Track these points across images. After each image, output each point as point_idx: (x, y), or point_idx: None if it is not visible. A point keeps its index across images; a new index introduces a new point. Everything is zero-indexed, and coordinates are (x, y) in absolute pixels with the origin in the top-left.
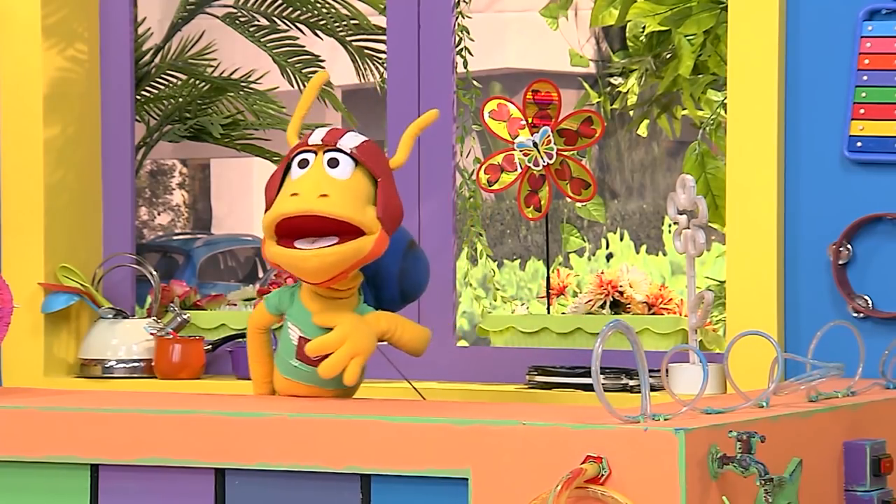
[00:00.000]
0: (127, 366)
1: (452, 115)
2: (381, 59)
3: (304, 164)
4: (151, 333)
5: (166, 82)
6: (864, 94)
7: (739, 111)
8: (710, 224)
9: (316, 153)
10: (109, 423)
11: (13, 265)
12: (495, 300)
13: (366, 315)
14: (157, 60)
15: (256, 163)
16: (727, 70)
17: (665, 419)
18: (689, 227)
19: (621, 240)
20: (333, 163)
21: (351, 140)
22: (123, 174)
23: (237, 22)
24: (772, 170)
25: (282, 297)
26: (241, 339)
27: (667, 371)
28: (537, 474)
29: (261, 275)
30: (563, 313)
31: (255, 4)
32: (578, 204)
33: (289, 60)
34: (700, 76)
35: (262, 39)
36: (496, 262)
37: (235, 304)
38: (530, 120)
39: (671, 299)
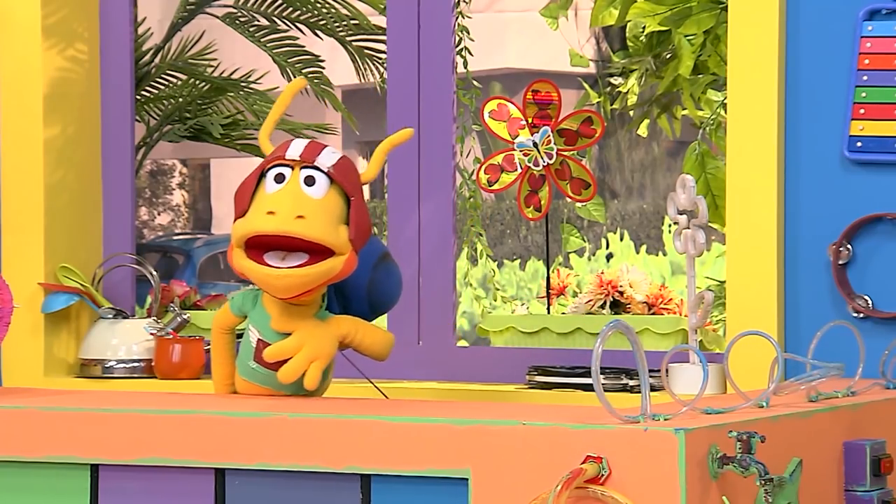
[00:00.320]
0: (127, 366)
1: (452, 115)
2: (381, 59)
3: (280, 178)
4: (151, 333)
5: (166, 82)
6: (864, 94)
7: (739, 111)
8: (710, 224)
9: (293, 168)
10: (109, 423)
11: (13, 265)
12: (495, 300)
13: (326, 319)
14: (157, 60)
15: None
16: (727, 70)
17: (665, 419)
18: (689, 227)
19: (621, 240)
20: (310, 181)
21: (328, 158)
22: (123, 174)
23: (237, 22)
24: (772, 170)
25: (245, 298)
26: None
27: (667, 371)
28: (537, 474)
29: None
30: (563, 313)
31: (255, 4)
32: (578, 204)
33: (289, 60)
34: (700, 76)
35: (262, 39)
36: (496, 262)
37: None
38: (530, 120)
39: (671, 299)
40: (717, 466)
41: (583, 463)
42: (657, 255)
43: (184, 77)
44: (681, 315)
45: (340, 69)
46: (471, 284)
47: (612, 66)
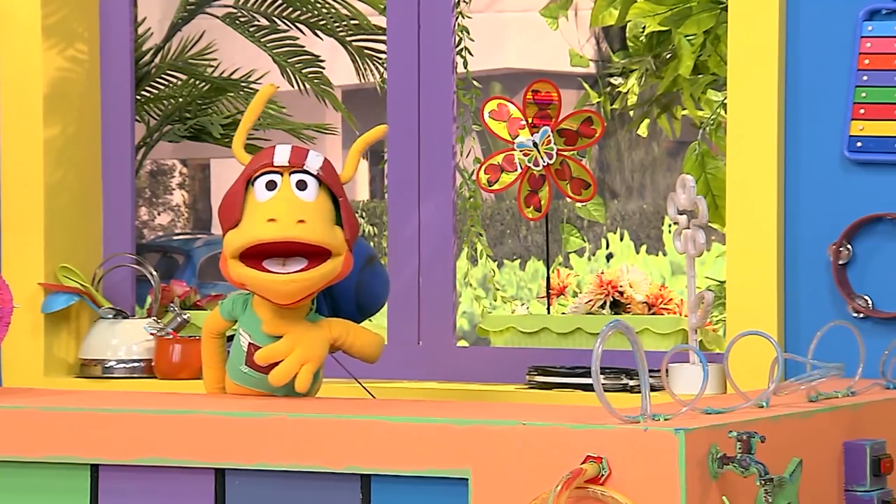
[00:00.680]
0: (127, 366)
1: (452, 115)
2: (381, 59)
3: (272, 185)
4: (151, 333)
5: (166, 82)
6: (864, 94)
7: (739, 111)
8: (710, 224)
9: (282, 174)
10: (109, 423)
11: (13, 265)
12: (495, 300)
13: (316, 322)
14: (157, 60)
15: None
16: (727, 70)
17: (665, 419)
18: (689, 227)
19: (621, 240)
20: (302, 185)
21: (315, 161)
22: (123, 174)
23: (237, 22)
24: (772, 170)
25: (235, 303)
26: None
27: (667, 371)
28: (537, 474)
29: None
30: (563, 313)
31: (255, 4)
32: (578, 204)
33: (289, 60)
34: (700, 76)
35: (262, 39)
36: (496, 262)
37: None
38: (530, 120)
39: (671, 299)
40: (717, 466)
41: (583, 463)
42: (657, 255)
43: (184, 77)
44: (681, 315)
45: (340, 69)
46: (471, 284)
47: (612, 66)
